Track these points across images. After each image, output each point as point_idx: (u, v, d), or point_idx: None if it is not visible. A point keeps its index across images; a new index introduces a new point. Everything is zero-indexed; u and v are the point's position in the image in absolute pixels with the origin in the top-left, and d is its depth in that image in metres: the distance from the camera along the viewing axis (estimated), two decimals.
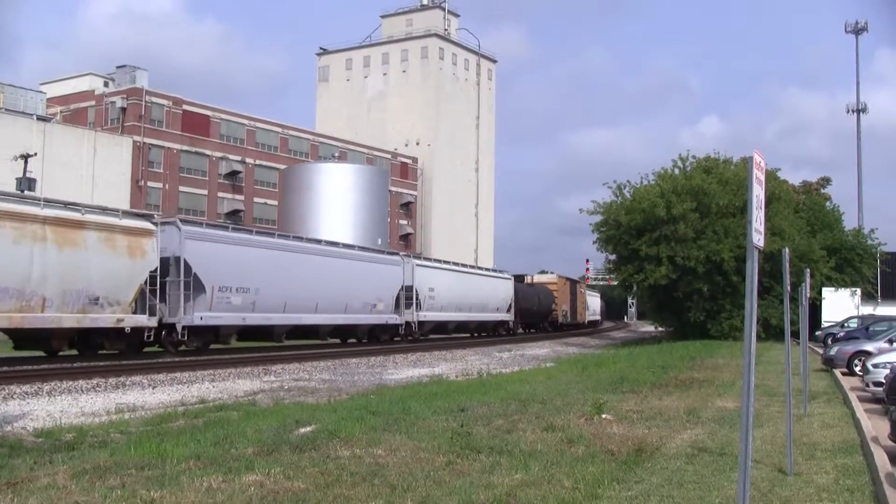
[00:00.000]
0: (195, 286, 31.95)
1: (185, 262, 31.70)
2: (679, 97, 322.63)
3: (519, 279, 70.00)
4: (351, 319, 42.76)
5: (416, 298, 47.70)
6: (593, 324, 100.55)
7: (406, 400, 16.69)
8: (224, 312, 33.72)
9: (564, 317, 78.90)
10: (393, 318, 46.18)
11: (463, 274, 57.17)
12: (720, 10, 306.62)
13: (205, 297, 32.45)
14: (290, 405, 17.28)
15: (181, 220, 34.60)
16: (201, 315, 32.32)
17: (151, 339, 30.56)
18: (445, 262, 57.44)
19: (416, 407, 15.27)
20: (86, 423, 14.50)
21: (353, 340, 44.92)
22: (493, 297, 60.40)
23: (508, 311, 63.34)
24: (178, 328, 31.53)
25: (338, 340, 44.12)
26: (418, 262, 50.22)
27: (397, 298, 46.42)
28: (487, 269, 66.89)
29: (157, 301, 30.01)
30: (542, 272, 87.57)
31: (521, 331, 68.85)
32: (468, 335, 58.85)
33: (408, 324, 47.24)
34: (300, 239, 43.22)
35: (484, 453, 10.75)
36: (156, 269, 29.90)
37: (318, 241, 44.34)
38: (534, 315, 71.21)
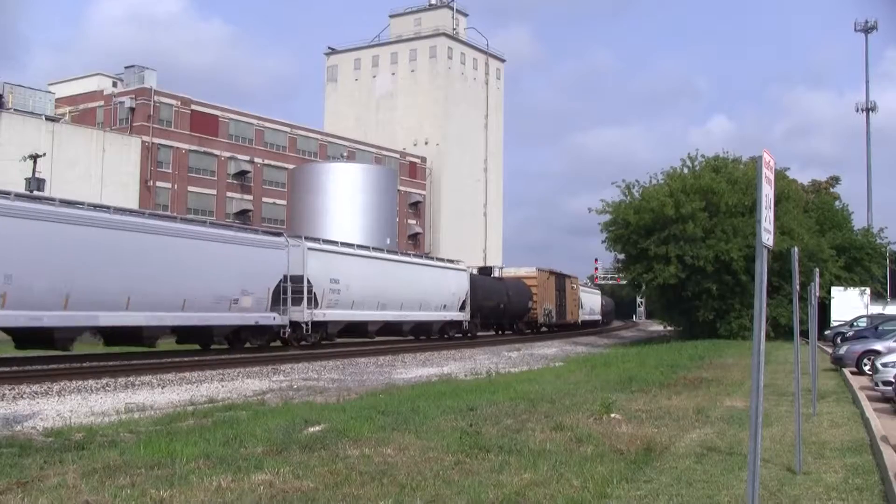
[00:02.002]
0: None
1: None
2: (687, 97, 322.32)
3: (484, 272, 63.11)
4: (195, 319, 31.71)
5: (310, 292, 37.49)
6: (590, 325, 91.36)
7: (415, 399, 16.69)
8: None
9: (548, 316, 69.07)
10: (267, 318, 35.27)
11: (388, 262, 46.23)
12: (728, 10, 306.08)
13: None
14: (298, 404, 17.28)
15: None
16: None
17: None
18: (361, 246, 46.39)
19: (424, 406, 15.27)
20: (95, 423, 14.53)
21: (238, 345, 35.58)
22: (437, 293, 49.82)
23: (462, 309, 52.76)
24: None
25: (198, 346, 35.06)
26: (313, 245, 39.54)
27: (276, 292, 35.76)
28: (431, 259, 55.71)
29: None
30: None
31: (481, 333, 58.46)
32: (400, 338, 48.18)
33: (296, 325, 37.05)
34: (94, 208, 29.19)
35: (493, 452, 10.75)
36: None
37: (142, 214, 32.87)
38: (501, 314, 60.74)
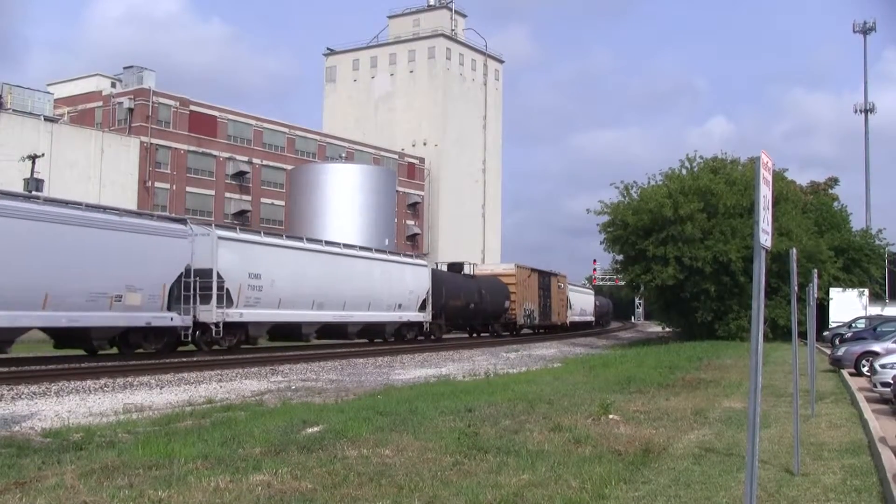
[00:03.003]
0: None
1: None
2: (685, 98, 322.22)
3: (454, 268, 57.59)
4: (63, 320, 26.98)
5: (221, 289, 32.62)
6: (581, 327, 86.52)
7: (413, 400, 16.70)
8: None
9: (529, 317, 64.46)
10: (161, 319, 30.49)
11: (327, 255, 40.55)
12: (726, 10, 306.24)
13: None
14: (297, 405, 17.29)
15: None
16: None
17: None
18: (291, 237, 42.05)
19: (423, 407, 15.27)
20: (93, 423, 14.52)
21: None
22: (390, 290, 44.63)
23: (422, 308, 47.86)
24: None
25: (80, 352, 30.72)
26: (226, 234, 34.82)
27: (173, 288, 31.03)
28: (383, 252, 48.87)
29: None
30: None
31: (449, 336, 54.25)
32: (347, 342, 42.64)
33: (204, 326, 32.52)
34: None
35: (491, 453, 10.75)
36: None
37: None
38: (472, 314, 55.74)
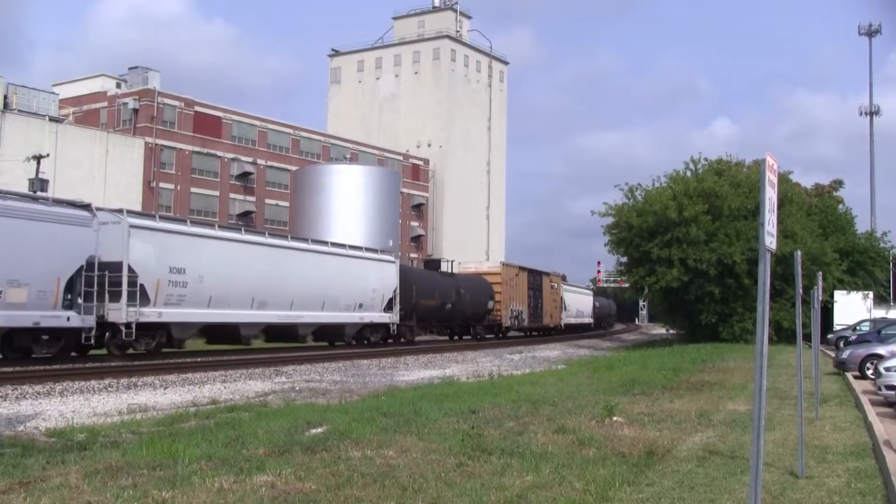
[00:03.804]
0: None
1: None
2: (689, 99, 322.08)
3: (431, 265, 55.70)
4: None
5: (133, 284, 28.42)
6: (578, 329, 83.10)
7: (417, 401, 16.70)
8: None
9: (516, 318, 60.58)
10: (54, 319, 26.57)
11: (270, 249, 36.54)
12: (729, 11, 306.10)
13: None
14: (301, 406, 17.30)
15: None
16: None
17: None
18: (225, 227, 38.32)
19: (427, 408, 15.27)
20: (98, 424, 14.55)
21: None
22: (349, 288, 40.75)
23: (388, 308, 43.82)
24: None
25: None
26: (140, 221, 30.52)
27: (71, 282, 27.09)
28: (341, 246, 43.23)
29: None
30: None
31: (424, 338, 51.36)
32: (296, 345, 39.01)
33: (114, 327, 28.56)
34: None
35: (495, 455, 10.74)
36: None
37: None
38: (449, 315, 51.82)
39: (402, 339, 46.06)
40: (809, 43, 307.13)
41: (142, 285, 29.11)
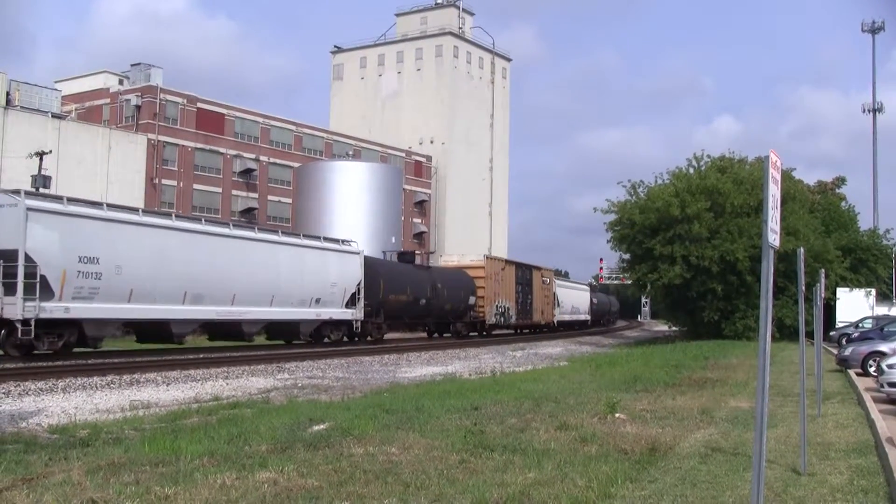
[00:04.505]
0: None
1: None
2: (692, 97, 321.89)
3: (404, 258, 51.64)
4: None
5: (31, 276, 25.18)
6: (574, 326, 79.99)
7: (419, 398, 16.71)
8: None
9: (502, 315, 56.99)
10: None
11: (207, 237, 32.70)
12: (732, 9, 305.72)
13: None
14: (303, 403, 17.31)
15: None
16: None
17: None
18: (151, 211, 34.28)
19: (429, 405, 15.28)
20: (100, 420, 14.56)
21: None
22: (303, 282, 37.08)
23: (352, 304, 40.18)
24: None
25: None
26: (41, 204, 26.62)
27: None
28: (297, 236, 40.50)
29: None
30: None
31: (392, 336, 48.08)
32: (243, 344, 35.82)
33: (10, 324, 25.48)
34: None
35: (497, 452, 10.75)
36: None
37: None
38: (424, 312, 48.26)
39: (369, 338, 42.47)
40: (813, 40, 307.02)
41: (43, 276, 25.57)
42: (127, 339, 33.34)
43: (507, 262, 61.36)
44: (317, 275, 37.91)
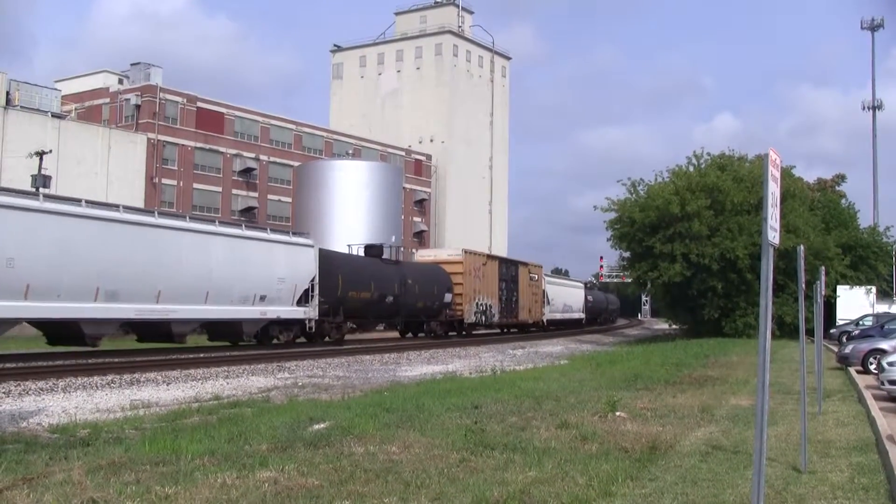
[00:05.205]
0: None
1: None
2: (692, 95, 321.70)
3: (372, 251, 46.88)
4: None
5: None
6: (567, 325, 75.86)
7: (420, 397, 16.71)
8: None
9: (484, 314, 53.29)
10: None
11: (125, 226, 28.34)
12: (732, 6, 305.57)
13: None
14: (303, 402, 17.31)
15: None
16: None
17: None
18: (53, 197, 28.79)
19: (429, 404, 15.27)
20: (100, 420, 14.55)
21: None
22: (246, 277, 33.39)
23: (304, 302, 36.58)
24: None
25: None
26: None
27: None
28: (238, 226, 36.82)
29: None
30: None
31: (353, 337, 43.60)
32: (176, 346, 32.10)
33: None
34: None
35: (498, 450, 10.75)
36: None
37: None
38: (392, 310, 44.70)
39: (327, 339, 39.33)
40: (812, 38, 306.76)
41: None
42: (127, 338, 33.38)
43: (490, 256, 58.25)
44: (261, 269, 34.31)
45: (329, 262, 38.83)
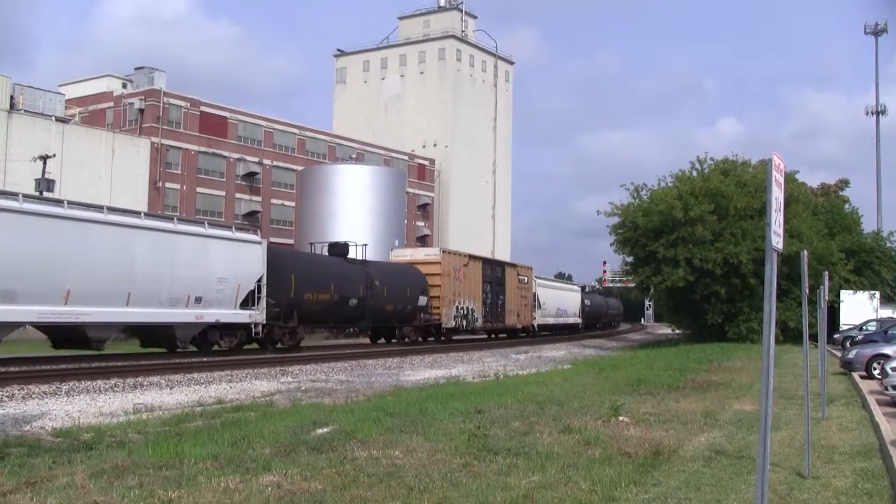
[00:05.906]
0: None
1: None
2: (694, 99, 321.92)
3: (336, 250, 42.76)
4: None
5: None
6: (560, 330, 72.99)
7: (423, 401, 16.69)
8: None
9: (465, 318, 49.79)
10: None
11: (30, 218, 25.04)
12: (734, 11, 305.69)
13: None
14: (307, 406, 17.31)
15: None
16: None
17: None
18: None
19: (432, 408, 15.27)
20: (104, 423, 14.56)
21: None
22: (177, 276, 30.12)
23: (252, 304, 33.52)
24: None
25: None
26: None
27: None
28: (169, 220, 33.41)
29: None
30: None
31: (309, 343, 40.36)
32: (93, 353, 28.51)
33: None
34: None
35: (501, 455, 10.74)
36: None
37: None
38: (354, 314, 41.03)
39: (279, 345, 36.18)
40: (815, 42, 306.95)
41: None
42: (130, 342, 33.44)
43: (472, 257, 53.70)
44: (195, 268, 31.02)
45: (280, 260, 35.87)
